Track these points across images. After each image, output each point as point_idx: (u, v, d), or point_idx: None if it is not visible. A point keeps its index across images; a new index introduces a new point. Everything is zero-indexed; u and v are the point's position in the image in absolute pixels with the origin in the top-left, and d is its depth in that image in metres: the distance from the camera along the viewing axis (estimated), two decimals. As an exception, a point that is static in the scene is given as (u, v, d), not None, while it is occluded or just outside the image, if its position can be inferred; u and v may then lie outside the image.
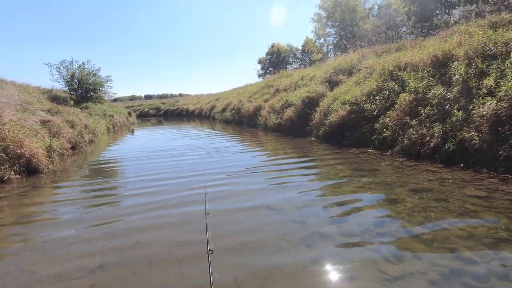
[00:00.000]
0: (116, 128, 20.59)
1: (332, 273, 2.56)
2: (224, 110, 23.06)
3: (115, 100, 45.51)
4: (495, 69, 5.47)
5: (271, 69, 42.29)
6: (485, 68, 5.70)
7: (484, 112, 4.94)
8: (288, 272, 2.62)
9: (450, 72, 6.41)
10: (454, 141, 5.29)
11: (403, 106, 6.89)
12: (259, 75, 44.13)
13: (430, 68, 7.00)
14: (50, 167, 7.21)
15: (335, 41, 34.84)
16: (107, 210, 4.39)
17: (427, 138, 5.84)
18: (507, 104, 4.74)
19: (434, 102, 6.19)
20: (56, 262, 2.98)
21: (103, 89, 17.65)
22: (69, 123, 11.23)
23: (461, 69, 6.02)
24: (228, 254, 2.97)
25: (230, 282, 2.52)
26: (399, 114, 6.86)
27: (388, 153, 6.58)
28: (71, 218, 4.11)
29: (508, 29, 6.23)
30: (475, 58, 5.92)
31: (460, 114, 5.43)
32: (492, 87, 5.24)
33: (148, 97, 79.44)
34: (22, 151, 6.49)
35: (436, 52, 7.04)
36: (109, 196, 5.18)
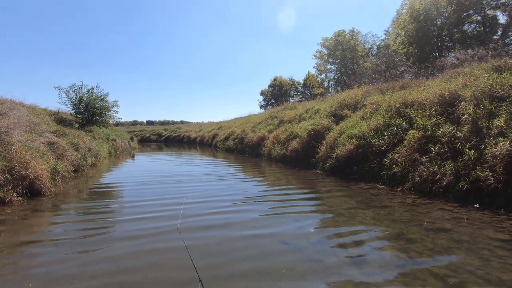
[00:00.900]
0: (118, 152, 20.53)
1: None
2: (227, 138, 23.18)
3: (117, 124, 45.97)
4: (504, 110, 5.58)
5: (273, 101, 43.28)
6: (493, 109, 5.81)
7: (498, 152, 4.95)
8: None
9: (458, 112, 6.53)
10: (467, 180, 5.24)
11: (412, 142, 6.92)
12: (261, 106, 45.06)
13: (437, 107, 7.15)
14: (52, 189, 7.04)
15: (335, 77, 36.08)
16: (104, 237, 4.21)
17: (439, 176, 5.79)
18: (520, 145, 4.76)
19: (444, 140, 6.23)
20: None
21: (109, 113, 17.83)
22: (74, 146, 11.20)
23: (469, 109, 6.14)
24: None
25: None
26: (408, 150, 6.87)
27: (399, 189, 6.49)
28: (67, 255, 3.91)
29: (512, 73, 6.46)
30: (483, 100, 6.07)
31: (472, 153, 5.44)
32: (503, 128, 5.30)
33: (149, 122, 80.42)
34: (27, 172, 6.37)
35: (443, 91, 7.24)
36: (106, 222, 4.99)
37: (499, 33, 18.08)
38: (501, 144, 5.02)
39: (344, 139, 9.00)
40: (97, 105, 16.88)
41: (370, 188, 6.88)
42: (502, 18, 18.00)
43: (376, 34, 40.35)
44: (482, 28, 18.71)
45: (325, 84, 38.16)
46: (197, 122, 57.22)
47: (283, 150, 12.58)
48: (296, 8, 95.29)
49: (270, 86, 45.43)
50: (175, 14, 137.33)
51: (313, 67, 40.43)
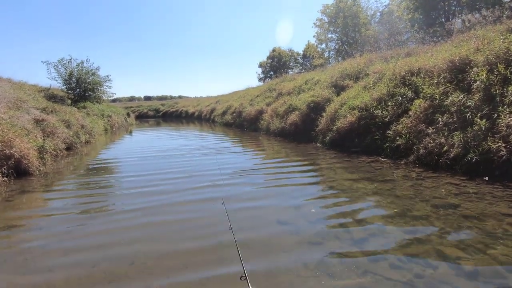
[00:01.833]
0: (114, 129, 20.14)
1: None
2: (224, 113, 22.68)
3: (114, 100, 45.14)
4: (521, 75, 5.13)
5: (271, 73, 42.05)
6: (508, 75, 5.35)
7: (512, 122, 4.58)
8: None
9: (469, 78, 6.06)
10: (477, 151, 4.92)
11: (417, 113, 6.53)
12: (260, 79, 43.85)
13: (446, 74, 6.66)
14: (41, 169, 6.77)
15: (336, 47, 34.69)
16: (102, 218, 3.97)
17: (446, 148, 5.46)
18: (538, 113, 4.38)
19: (452, 109, 5.82)
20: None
21: (102, 88, 17.22)
22: (65, 123, 10.80)
23: (482, 75, 5.67)
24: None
25: None
26: (414, 121, 6.49)
27: (402, 162, 6.20)
28: (59, 230, 3.68)
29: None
30: (498, 64, 5.58)
31: (483, 123, 5.07)
32: (519, 95, 4.89)
33: (147, 98, 79.03)
34: (11, 151, 6.05)
35: (453, 57, 6.70)
36: (102, 197, 4.76)
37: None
38: (516, 112, 4.64)
39: (346, 111, 8.59)
40: (89, 80, 16.24)
41: (372, 162, 6.59)
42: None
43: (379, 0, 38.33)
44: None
45: (326, 54, 36.84)
46: (195, 97, 56.18)
47: (282, 124, 12.19)
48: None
49: (269, 58, 43.91)
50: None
51: (313, 36, 38.72)
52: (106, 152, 10.50)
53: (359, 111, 8.10)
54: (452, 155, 5.29)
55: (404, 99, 7.27)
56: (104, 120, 18.77)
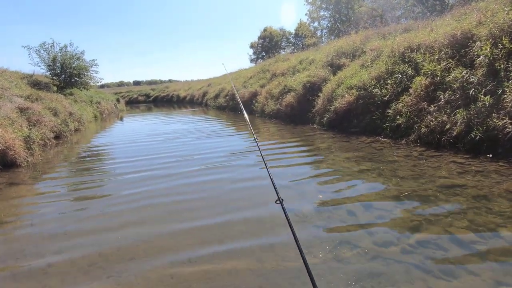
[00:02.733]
0: (104, 115, 19.58)
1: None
2: (217, 96, 22.19)
3: (102, 86, 43.87)
4: (527, 49, 4.95)
5: (263, 54, 41.07)
6: (513, 48, 5.17)
7: (518, 97, 4.45)
8: None
9: (472, 53, 5.86)
10: (481, 129, 4.80)
11: (418, 90, 6.35)
12: (251, 60, 42.87)
13: (447, 49, 6.44)
14: (29, 159, 6.47)
15: (329, 25, 33.86)
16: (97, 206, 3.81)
17: (448, 126, 5.34)
18: (545, 87, 4.24)
19: (455, 86, 5.66)
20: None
21: (89, 74, 16.52)
22: (52, 111, 10.35)
23: (486, 49, 5.47)
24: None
25: None
26: (414, 99, 6.33)
27: (403, 141, 6.09)
28: (52, 226, 3.48)
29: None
30: (502, 38, 5.38)
31: (487, 100, 4.93)
32: (525, 69, 4.73)
33: (136, 83, 77.03)
34: (-5, 143, 5.72)
35: (455, 31, 6.46)
36: (98, 182, 4.58)
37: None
38: (522, 87, 4.50)
39: (343, 90, 8.37)
40: (74, 65, 15.51)
41: (372, 142, 6.46)
42: None
43: (373, -26, 37.12)
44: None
45: (318, 33, 36.05)
46: (185, 81, 54.84)
47: (277, 105, 11.93)
48: None
49: (260, 38, 42.73)
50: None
51: (305, 14, 37.69)
52: (98, 139, 10.22)
53: (357, 91, 7.89)
54: (455, 133, 5.17)
55: (404, 76, 7.07)
56: (93, 106, 18.18)
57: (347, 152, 5.89)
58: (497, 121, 4.59)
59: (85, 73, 16.16)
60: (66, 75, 15.54)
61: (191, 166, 5.62)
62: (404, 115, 6.33)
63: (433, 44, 6.93)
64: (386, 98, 7.07)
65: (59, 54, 15.21)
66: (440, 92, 5.88)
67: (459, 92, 5.52)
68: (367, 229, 2.95)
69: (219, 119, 14.97)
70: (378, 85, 7.46)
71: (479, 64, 5.53)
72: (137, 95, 46.87)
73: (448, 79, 5.87)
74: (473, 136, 4.86)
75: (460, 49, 6.19)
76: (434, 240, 2.71)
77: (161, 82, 70.73)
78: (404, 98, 6.59)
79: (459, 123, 5.17)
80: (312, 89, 10.25)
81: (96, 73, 16.98)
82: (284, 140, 7.82)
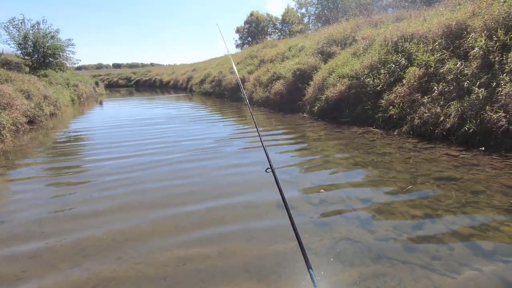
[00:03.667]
0: (82, 99, 18.58)
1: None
2: (203, 81, 21.55)
3: (79, 68, 41.54)
4: (522, 42, 4.93)
5: (249, 39, 40.18)
6: (508, 41, 5.14)
7: (513, 91, 4.44)
8: None
9: (466, 45, 5.82)
10: (475, 122, 4.80)
11: (412, 81, 6.29)
12: (237, 46, 41.89)
13: (441, 40, 6.37)
14: None
15: (317, 12, 33.41)
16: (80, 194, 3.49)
17: (442, 118, 5.32)
18: (540, 81, 4.24)
19: (449, 77, 5.62)
20: None
21: (64, 54, 15.48)
22: (24, 93, 9.61)
23: (480, 41, 5.43)
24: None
25: None
26: (407, 90, 6.27)
27: (395, 132, 6.05)
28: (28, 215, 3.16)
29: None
30: (498, 30, 5.34)
31: (482, 92, 4.91)
32: (520, 62, 4.72)
33: (116, 66, 73.86)
34: (-41, 128, 5.17)
35: (449, 22, 6.39)
36: (79, 168, 4.23)
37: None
38: (517, 80, 4.48)
39: (335, 79, 8.21)
40: (48, 44, 14.45)
41: (364, 133, 6.39)
42: None
43: (362, -40, 36.62)
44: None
45: (305, 20, 35.53)
46: (168, 65, 53.12)
47: (266, 93, 11.66)
48: None
49: (246, 23, 41.66)
50: None
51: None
52: (76, 124, 9.67)
53: (349, 80, 7.76)
54: (448, 126, 5.16)
55: (397, 66, 6.98)
56: (70, 90, 17.17)
57: (340, 144, 5.79)
58: (491, 114, 4.58)
59: (60, 53, 15.13)
60: (40, 55, 14.49)
61: (179, 152, 5.52)
62: (396, 105, 6.27)
63: (427, 34, 6.85)
64: (378, 88, 6.98)
65: (30, 31, 14.10)
66: (433, 83, 5.83)
67: (453, 84, 5.48)
68: (368, 227, 2.84)
69: (204, 105, 14.55)
70: (370, 75, 7.35)
71: (474, 56, 5.49)
72: (118, 78, 44.97)
73: (442, 70, 5.82)
74: (466, 128, 4.85)
75: (454, 40, 6.14)
76: (437, 237, 2.64)
77: (143, 65, 68.15)
78: (397, 89, 6.52)
79: (452, 115, 5.15)
80: (302, 77, 10.04)
81: (72, 53, 15.99)
82: (271, 127, 7.66)
